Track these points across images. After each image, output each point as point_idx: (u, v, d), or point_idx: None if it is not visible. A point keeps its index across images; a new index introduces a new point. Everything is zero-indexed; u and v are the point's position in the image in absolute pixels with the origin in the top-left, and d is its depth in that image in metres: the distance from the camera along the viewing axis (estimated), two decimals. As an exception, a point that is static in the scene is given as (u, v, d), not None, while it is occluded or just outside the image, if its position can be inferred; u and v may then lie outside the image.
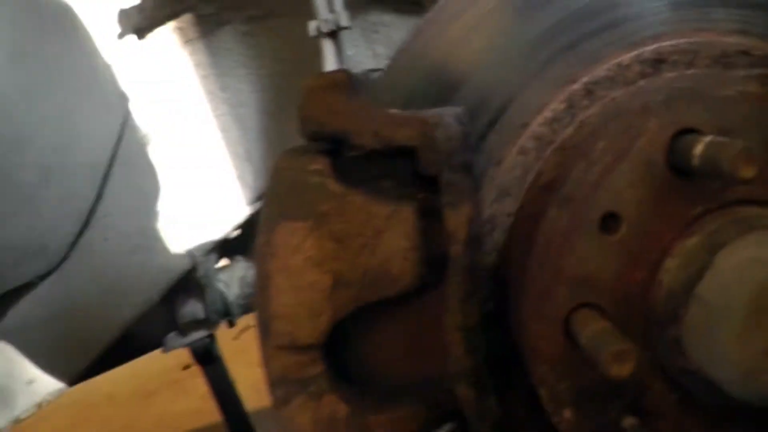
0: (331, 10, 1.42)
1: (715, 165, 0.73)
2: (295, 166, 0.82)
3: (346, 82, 0.80)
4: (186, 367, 4.42)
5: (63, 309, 1.61)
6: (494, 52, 0.88)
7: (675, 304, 0.79)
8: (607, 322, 0.79)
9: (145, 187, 1.63)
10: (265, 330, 0.85)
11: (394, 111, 0.81)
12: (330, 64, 1.42)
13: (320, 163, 0.82)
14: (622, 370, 0.73)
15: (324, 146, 0.83)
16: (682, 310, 0.79)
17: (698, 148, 0.75)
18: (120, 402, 4.44)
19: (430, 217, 0.82)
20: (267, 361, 0.86)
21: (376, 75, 0.90)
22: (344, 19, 1.42)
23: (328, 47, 1.43)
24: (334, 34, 1.42)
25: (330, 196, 0.81)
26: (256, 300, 0.86)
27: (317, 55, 1.53)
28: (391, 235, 0.81)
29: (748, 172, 0.71)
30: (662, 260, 0.81)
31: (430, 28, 0.90)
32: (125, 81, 1.60)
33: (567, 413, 0.85)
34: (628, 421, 0.84)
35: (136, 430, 3.91)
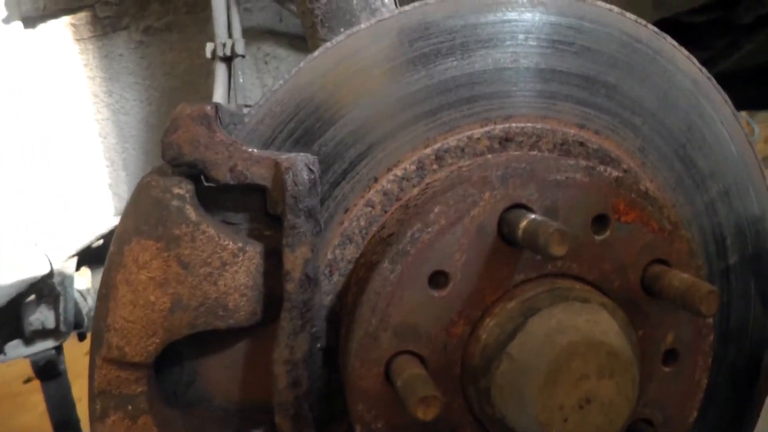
0: (230, 36, 1.52)
1: (534, 240, 0.87)
2: (161, 185, 0.91)
3: (213, 115, 0.90)
4: (27, 381, 4.27)
5: None
6: (359, 107, 0.99)
7: (488, 359, 0.92)
8: (422, 370, 0.91)
9: (9, 187, 1.65)
10: (98, 339, 0.91)
11: (251, 150, 0.91)
12: (220, 88, 1.51)
13: (184, 189, 0.91)
14: (427, 413, 0.84)
15: (188, 171, 0.92)
16: (494, 365, 0.91)
17: (523, 223, 0.89)
18: (-49, 411, 4.24)
19: (274, 257, 0.92)
20: (93, 372, 0.92)
21: (248, 110, 1.00)
22: (241, 47, 1.52)
23: (220, 72, 1.52)
24: (228, 60, 1.52)
25: (186, 222, 0.90)
26: (96, 307, 0.93)
27: (207, 76, 1.62)
28: (234, 270, 0.91)
29: (559, 250, 0.85)
30: (483, 318, 0.94)
31: (308, 71, 1.00)
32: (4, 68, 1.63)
33: (379, 452, 0.96)
34: (433, 464, 0.95)
35: (-35, 445, 3.72)
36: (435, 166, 1.00)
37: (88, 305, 1.88)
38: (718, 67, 2.59)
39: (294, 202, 0.89)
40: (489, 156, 1.01)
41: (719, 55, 2.54)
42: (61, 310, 1.75)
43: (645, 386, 1.00)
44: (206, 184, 0.93)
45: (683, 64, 1.10)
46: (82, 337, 2.02)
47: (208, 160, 0.90)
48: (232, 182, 0.91)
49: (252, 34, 1.73)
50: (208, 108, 0.90)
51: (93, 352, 0.92)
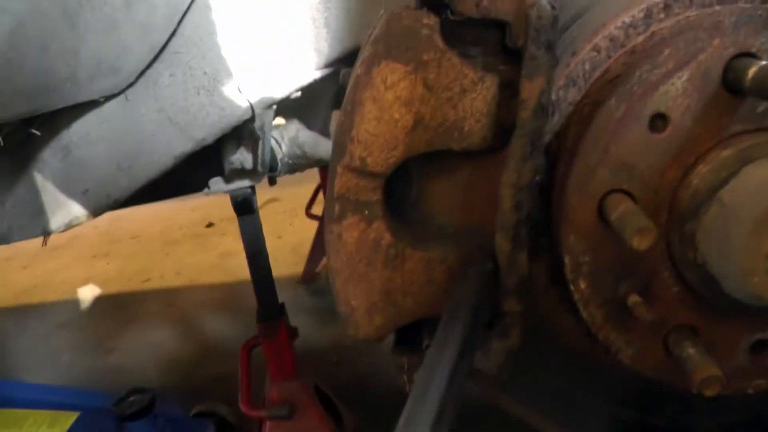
0: None
1: (764, 87, 0.88)
2: (411, 15, 0.97)
3: (459, -50, 0.95)
4: (209, 225, 4.66)
5: (123, 131, 1.77)
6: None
7: (698, 203, 0.97)
8: (636, 206, 0.96)
9: (220, 34, 1.76)
10: (341, 149, 1.01)
11: (499, -15, 0.96)
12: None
13: (432, 20, 0.97)
14: (642, 243, 0.90)
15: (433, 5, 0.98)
16: (703, 209, 0.96)
17: (752, 70, 0.91)
18: (142, 243, 4.70)
19: (507, 90, 0.98)
20: (333, 178, 1.03)
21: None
22: None
23: None
24: None
25: (434, 48, 0.97)
26: (340, 122, 1.02)
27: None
28: (473, 97, 0.98)
29: None
30: (696, 164, 0.98)
31: None
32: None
33: (582, 284, 1.03)
34: (633, 299, 1.02)
35: (153, 273, 4.13)
36: (662, 15, 1.02)
37: (282, 152, 2.03)
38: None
39: (536, 35, 0.93)
40: (718, 7, 1.01)
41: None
42: (259, 153, 1.90)
43: None
44: (451, 18, 0.99)
45: None
46: (272, 182, 2.18)
47: None
48: (477, 16, 0.96)
49: None
50: None
51: (334, 162, 1.02)
